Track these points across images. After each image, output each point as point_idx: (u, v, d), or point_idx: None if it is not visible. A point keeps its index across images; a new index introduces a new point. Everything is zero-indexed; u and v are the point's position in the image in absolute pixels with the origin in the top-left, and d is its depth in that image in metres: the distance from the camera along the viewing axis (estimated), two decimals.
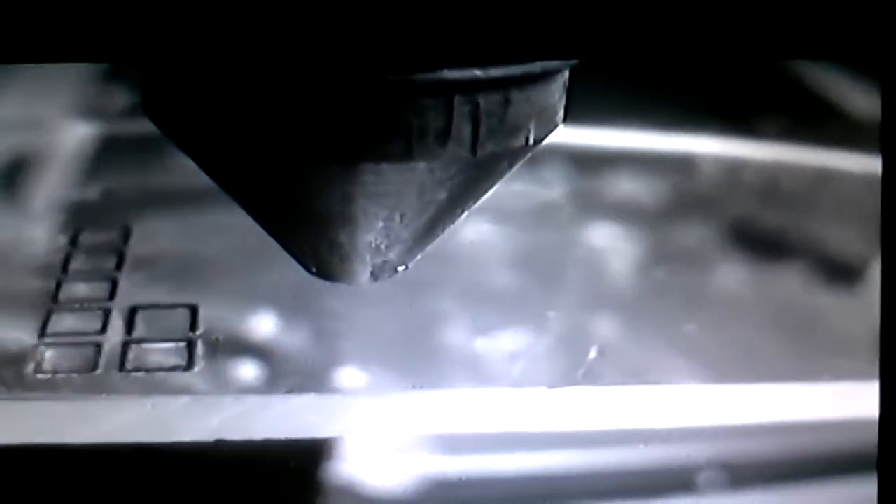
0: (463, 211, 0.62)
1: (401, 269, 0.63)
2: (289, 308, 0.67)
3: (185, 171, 0.65)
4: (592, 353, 0.66)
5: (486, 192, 0.62)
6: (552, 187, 0.68)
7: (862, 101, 0.66)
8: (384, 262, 0.62)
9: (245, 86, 0.58)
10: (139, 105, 0.62)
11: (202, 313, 0.67)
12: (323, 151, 0.58)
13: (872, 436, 0.65)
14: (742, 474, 0.66)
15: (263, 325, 0.67)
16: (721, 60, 0.61)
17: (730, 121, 0.66)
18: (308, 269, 0.63)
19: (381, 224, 0.60)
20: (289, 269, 0.63)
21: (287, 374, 0.65)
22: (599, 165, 0.66)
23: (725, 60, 0.61)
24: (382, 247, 0.61)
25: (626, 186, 0.66)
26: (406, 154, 0.58)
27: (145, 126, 0.62)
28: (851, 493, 0.66)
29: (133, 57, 0.58)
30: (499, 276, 0.67)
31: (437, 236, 0.62)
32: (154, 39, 0.57)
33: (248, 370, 0.66)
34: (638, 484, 0.66)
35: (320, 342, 0.66)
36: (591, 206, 0.66)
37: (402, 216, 0.60)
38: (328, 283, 0.63)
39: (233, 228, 0.66)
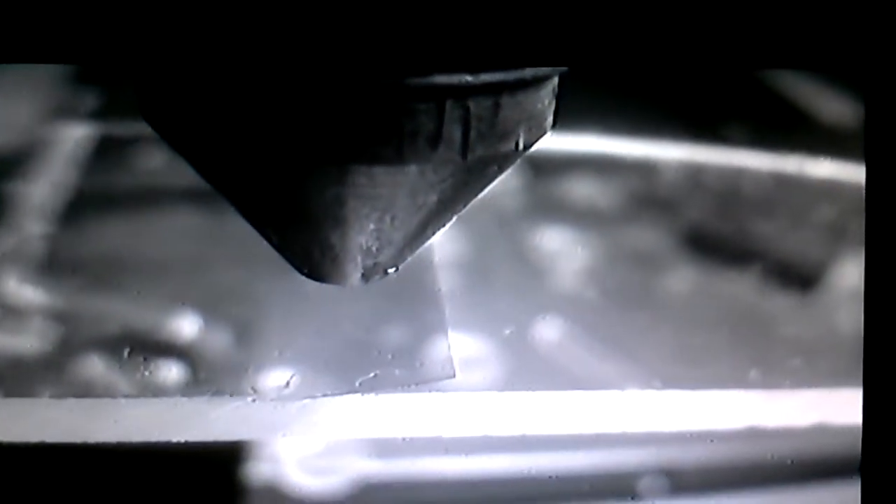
0: (454, 214, 0.63)
1: (391, 270, 0.63)
2: (217, 311, 0.67)
3: (142, 172, 0.65)
4: (537, 358, 0.67)
5: (476, 195, 0.63)
6: (507, 190, 0.68)
7: (830, 107, 0.67)
8: (375, 263, 0.63)
9: (239, 88, 0.59)
10: (106, 107, 0.63)
11: (131, 315, 0.67)
12: (315, 153, 0.59)
13: (821, 443, 0.66)
14: (685, 481, 0.67)
15: (188, 327, 0.67)
16: (701, 68, 0.62)
17: (696, 126, 0.67)
18: (299, 270, 0.63)
19: (372, 226, 0.61)
20: (224, 272, 0.63)
21: (212, 377, 0.66)
22: (557, 169, 0.67)
23: (706, 68, 0.62)
24: (373, 249, 0.62)
25: (583, 191, 0.67)
26: (397, 157, 0.59)
27: (108, 128, 0.62)
28: (799, 501, 0.67)
29: (128, 59, 0.59)
30: (446, 279, 0.68)
31: (428, 239, 0.63)
32: (148, 42, 0.58)
33: (171, 372, 0.66)
34: (578, 489, 0.66)
35: (247, 345, 0.66)
36: (546, 210, 0.67)
37: (392, 218, 0.61)
38: (264, 287, 0.63)
39: (175, 230, 0.66)
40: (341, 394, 0.64)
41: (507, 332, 0.68)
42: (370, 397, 0.65)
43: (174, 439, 0.63)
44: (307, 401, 0.64)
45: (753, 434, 0.66)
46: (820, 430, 0.66)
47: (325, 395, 0.64)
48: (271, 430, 0.64)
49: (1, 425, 0.63)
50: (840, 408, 0.66)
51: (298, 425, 0.64)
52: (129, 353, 0.66)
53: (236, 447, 0.64)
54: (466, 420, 0.65)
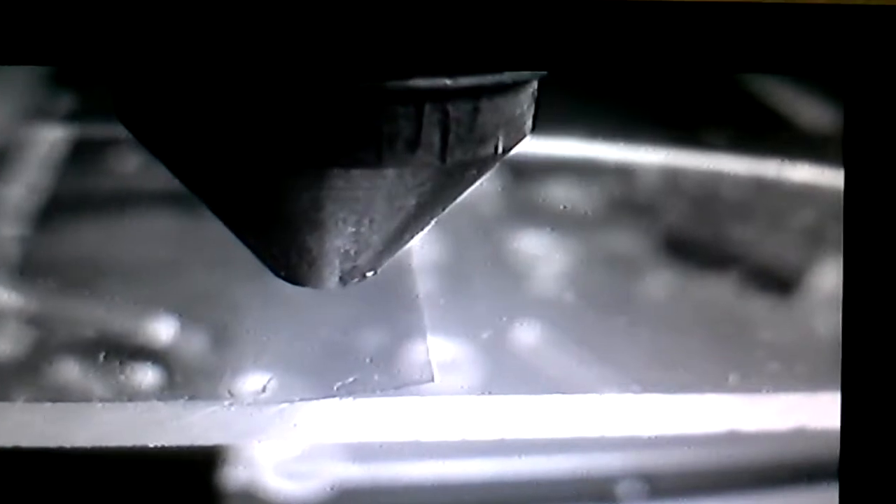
0: (432, 218, 0.63)
1: (369, 274, 0.63)
2: (193, 315, 0.67)
3: (118, 175, 0.65)
4: (514, 362, 0.67)
5: (455, 199, 0.63)
6: (485, 194, 0.68)
7: (808, 112, 0.67)
8: (353, 267, 0.62)
9: (216, 91, 0.58)
10: (82, 109, 0.62)
11: (106, 318, 0.67)
12: (293, 156, 0.58)
13: (799, 447, 0.66)
14: (664, 485, 0.67)
15: (165, 331, 0.67)
16: (680, 73, 0.62)
17: (675, 130, 0.67)
18: (277, 274, 0.63)
19: (350, 229, 0.61)
20: (201, 276, 0.63)
21: (188, 381, 0.65)
22: (535, 173, 0.67)
23: (685, 73, 0.62)
24: (351, 252, 0.62)
25: (562, 194, 0.67)
26: (376, 160, 0.59)
27: (84, 131, 0.62)
28: None
29: (105, 62, 0.58)
30: (424, 282, 0.67)
31: (406, 242, 0.63)
32: (126, 45, 0.58)
33: (147, 376, 0.66)
34: (557, 493, 0.66)
35: (224, 349, 0.66)
36: (524, 214, 0.67)
37: (371, 222, 0.61)
38: (241, 290, 0.63)
39: (152, 234, 0.66)
40: (319, 398, 0.64)
41: (486, 335, 0.68)
42: (348, 401, 0.64)
43: (150, 444, 0.63)
44: (285, 405, 0.64)
45: (732, 438, 0.66)
46: (799, 434, 0.66)
47: (302, 400, 0.64)
48: (248, 434, 0.64)
49: None
50: (819, 412, 0.66)
51: (275, 429, 0.64)
52: (105, 357, 0.66)
53: (213, 451, 0.64)
54: (445, 424, 0.65)
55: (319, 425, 0.64)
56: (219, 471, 0.64)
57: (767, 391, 0.67)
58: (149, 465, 0.63)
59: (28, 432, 0.63)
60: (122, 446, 0.63)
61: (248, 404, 0.64)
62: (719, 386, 0.67)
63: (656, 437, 0.66)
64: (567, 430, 0.66)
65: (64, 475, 0.63)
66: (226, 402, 0.64)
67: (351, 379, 0.65)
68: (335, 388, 0.65)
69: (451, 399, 0.65)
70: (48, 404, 0.64)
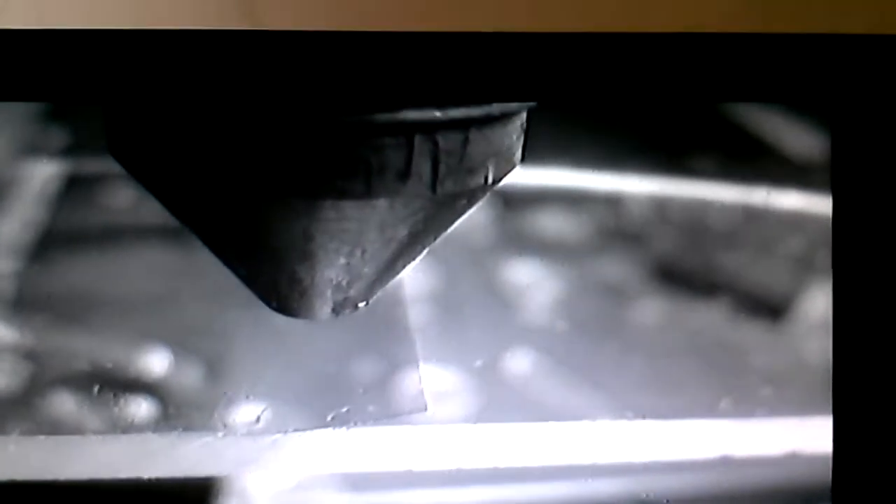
0: (423, 248, 0.63)
1: (362, 304, 0.63)
2: (186, 347, 0.67)
3: (110, 209, 0.65)
4: (507, 390, 0.67)
5: (446, 229, 0.63)
6: (476, 224, 0.68)
7: (795, 140, 0.67)
8: (345, 297, 0.63)
9: (207, 124, 0.59)
10: (75, 145, 0.63)
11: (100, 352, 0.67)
12: (283, 188, 0.59)
13: (794, 472, 0.66)
14: None
15: (158, 363, 0.67)
16: (667, 103, 0.62)
17: (662, 159, 0.67)
18: (268, 305, 0.63)
19: (342, 260, 0.61)
20: (193, 308, 0.63)
21: (182, 412, 0.65)
22: (523, 203, 0.67)
23: (672, 103, 0.62)
24: (343, 283, 0.62)
25: (552, 224, 0.67)
26: (366, 191, 0.59)
27: (77, 166, 0.62)
28: None
29: (96, 97, 0.59)
30: (415, 312, 0.68)
31: (398, 273, 0.63)
32: (118, 82, 0.58)
33: (140, 408, 0.66)
34: None
35: (217, 380, 0.66)
36: (513, 243, 0.67)
37: (362, 252, 0.61)
38: (233, 322, 0.63)
39: (144, 267, 0.66)
40: (312, 428, 0.64)
41: (478, 364, 0.68)
42: (341, 431, 0.64)
43: (144, 476, 0.63)
44: (278, 435, 0.64)
45: (726, 463, 0.67)
46: (791, 459, 0.67)
47: (296, 430, 0.64)
48: (242, 464, 0.64)
49: None
50: (811, 436, 0.66)
51: (269, 460, 0.64)
52: (99, 390, 0.66)
53: (207, 483, 0.64)
54: (438, 453, 0.65)
55: (313, 456, 0.64)
56: (213, 502, 0.64)
57: (759, 416, 0.67)
58: (143, 498, 0.63)
59: (23, 465, 0.63)
60: (117, 479, 0.63)
61: (242, 435, 0.64)
62: (712, 411, 0.68)
63: (651, 464, 0.66)
64: (560, 458, 0.66)
65: None
66: (219, 434, 0.64)
67: (344, 409, 0.65)
68: (329, 418, 0.65)
69: (445, 428, 0.65)
70: (42, 437, 0.64)
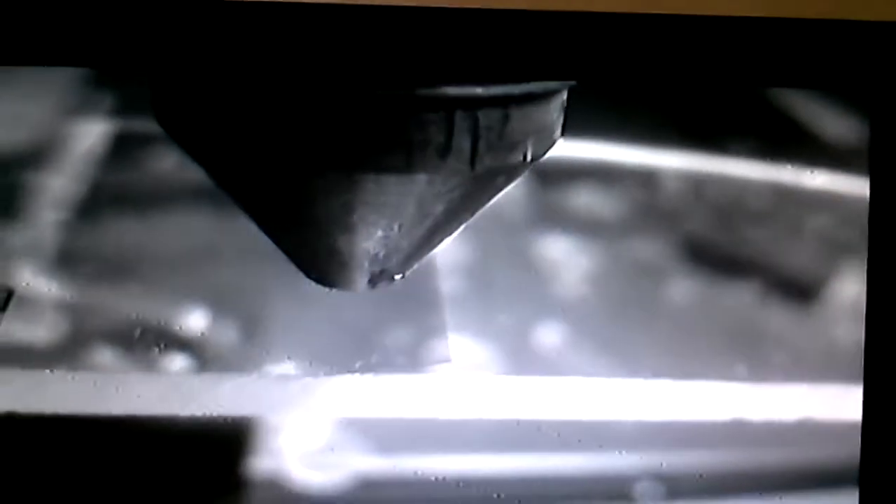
0: (460, 223, 0.64)
1: (398, 277, 0.64)
2: (224, 304, 0.68)
3: (152, 171, 0.66)
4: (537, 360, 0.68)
5: (483, 206, 0.64)
6: (509, 197, 0.69)
7: (832, 124, 0.67)
8: (382, 270, 0.64)
9: (253, 95, 0.59)
10: (123, 106, 0.64)
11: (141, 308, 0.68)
12: (326, 161, 0.60)
13: (825, 447, 0.67)
14: (680, 487, 0.68)
15: (196, 320, 0.68)
16: (708, 86, 0.63)
17: (698, 138, 0.67)
18: (307, 275, 0.64)
19: (379, 233, 0.62)
20: (230, 268, 0.65)
21: (217, 363, 0.66)
22: (559, 177, 0.67)
23: (713, 86, 0.63)
24: (380, 255, 0.63)
25: (586, 200, 0.68)
26: (406, 166, 0.60)
27: (127, 126, 0.63)
28: None
29: (142, 66, 0.60)
30: (447, 282, 0.68)
31: (435, 247, 0.64)
32: (164, 51, 0.59)
33: (178, 360, 0.67)
34: (575, 490, 0.67)
35: (252, 334, 0.67)
36: (547, 218, 0.67)
37: (400, 226, 0.62)
38: (271, 284, 0.64)
39: (187, 229, 0.67)
40: (341, 374, 0.65)
41: (508, 333, 0.68)
42: (368, 377, 0.65)
43: (180, 414, 0.65)
44: (308, 379, 0.65)
45: (739, 426, 0.67)
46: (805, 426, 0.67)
47: (325, 375, 0.65)
48: (274, 406, 0.65)
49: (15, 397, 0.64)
50: (825, 404, 0.67)
51: (300, 402, 0.65)
52: (139, 343, 0.67)
53: (240, 422, 0.65)
54: (461, 403, 0.66)
55: (341, 399, 0.66)
56: (245, 441, 0.66)
57: (776, 382, 0.68)
58: (178, 435, 0.65)
59: (66, 400, 0.65)
60: (153, 415, 0.65)
61: (274, 378, 0.66)
62: (727, 375, 0.68)
63: (666, 423, 0.67)
64: (579, 414, 0.67)
65: (99, 443, 0.65)
66: (253, 376, 0.66)
67: (372, 358, 0.66)
68: (356, 365, 0.66)
69: (468, 377, 0.66)
70: (86, 374, 0.66)
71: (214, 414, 0.65)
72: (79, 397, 0.66)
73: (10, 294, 0.66)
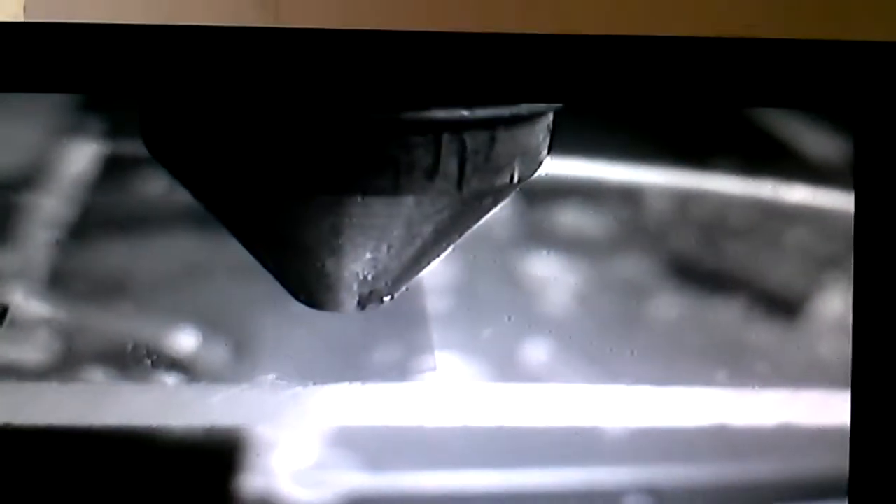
0: (449, 244, 0.64)
1: (387, 298, 0.65)
2: (211, 323, 0.68)
3: (141, 194, 0.66)
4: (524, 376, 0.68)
5: (471, 226, 0.64)
6: (495, 216, 0.69)
7: (815, 142, 0.68)
8: (371, 291, 0.64)
9: (240, 120, 0.60)
10: (112, 130, 0.64)
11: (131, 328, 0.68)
12: (313, 184, 0.60)
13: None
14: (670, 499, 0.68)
15: (184, 338, 0.68)
16: (691, 107, 0.63)
17: (681, 157, 0.68)
18: (296, 297, 0.64)
19: (368, 255, 0.62)
20: (216, 289, 0.65)
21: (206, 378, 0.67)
22: (544, 195, 0.68)
23: (696, 107, 0.63)
24: (369, 277, 0.63)
25: (571, 219, 0.68)
26: (394, 188, 0.60)
27: (116, 149, 0.63)
28: None
29: (133, 91, 0.60)
30: (432, 300, 0.69)
31: (424, 268, 0.64)
32: (152, 77, 0.59)
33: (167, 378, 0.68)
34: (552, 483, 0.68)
35: (242, 355, 0.68)
36: (532, 237, 0.68)
37: (389, 248, 0.62)
38: (258, 301, 0.64)
39: (176, 250, 0.67)
40: (328, 383, 0.66)
41: (493, 351, 0.69)
42: (356, 386, 0.66)
43: (173, 424, 0.65)
44: (298, 389, 0.65)
45: (722, 431, 0.68)
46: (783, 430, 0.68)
47: (314, 384, 0.65)
48: (264, 416, 0.66)
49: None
50: (803, 409, 0.68)
51: (289, 411, 0.66)
52: (130, 362, 0.68)
53: (230, 432, 0.65)
54: (446, 410, 0.66)
55: (329, 409, 0.66)
56: (235, 450, 0.66)
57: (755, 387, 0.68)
58: (168, 446, 0.65)
59: (58, 411, 0.65)
60: (144, 426, 0.65)
61: (264, 389, 0.66)
62: (710, 381, 0.69)
63: (649, 429, 0.68)
64: (561, 420, 0.67)
65: (91, 453, 0.65)
66: (244, 386, 0.66)
67: (359, 367, 0.66)
68: (344, 375, 0.66)
69: (454, 385, 0.67)
70: (78, 385, 0.66)
71: (203, 424, 0.65)
72: (67, 408, 0.66)
73: (5, 309, 0.67)
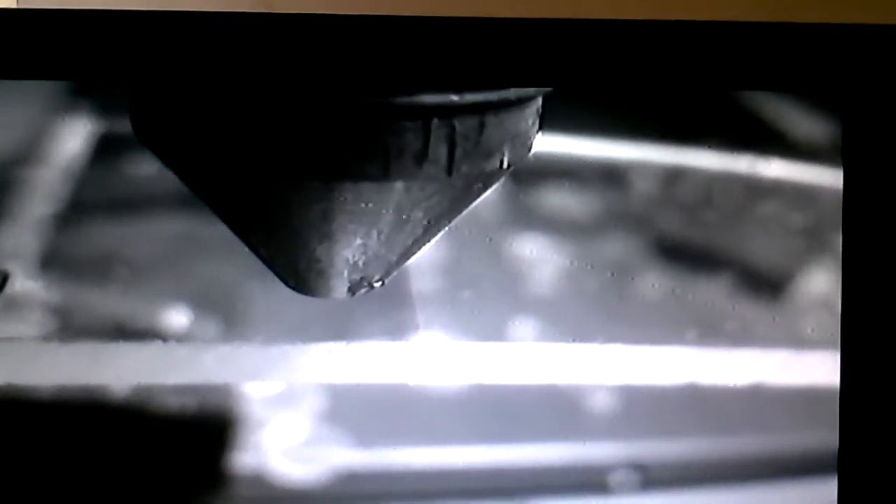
0: (439, 230, 0.64)
1: (377, 284, 0.65)
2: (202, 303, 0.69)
3: (132, 177, 0.66)
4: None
5: (461, 212, 0.64)
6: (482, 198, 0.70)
7: (804, 125, 0.68)
8: (361, 277, 0.64)
9: (228, 105, 0.60)
10: (103, 113, 0.64)
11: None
12: (303, 169, 0.60)
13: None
14: (657, 475, 0.69)
15: (175, 316, 0.69)
16: (680, 90, 0.63)
17: (668, 139, 0.68)
18: (286, 283, 0.64)
19: (358, 241, 0.62)
20: (206, 270, 0.66)
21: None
22: (529, 175, 0.68)
23: (685, 90, 0.63)
24: (360, 263, 0.63)
25: (555, 197, 0.68)
26: (384, 174, 0.60)
27: (108, 129, 0.64)
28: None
29: (122, 77, 0.60)
30: (419, 281, 0.69)
31: (414, 254, 0.64)
32: (142, 62, 0.59)
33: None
34: (552, 482, 0.68)
35: (232, 331, 0.68)
36: (517, 216, 0.68)
37: (379, 233, 0.62)
38: (247, 279, 0.65)
39: (170, 234, 0.68)
40: (317, 342, 0.66)
41: (480, 327, 0.69)
42: (341, 345, 0.66)
43: (165, 382, 0.66)
44: (287, 347, 0.66)
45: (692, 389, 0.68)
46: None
47: (301, 343, 0.66)
48: (253, 373, 0.66)
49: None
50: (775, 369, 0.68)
51: (278, 368, 0.66)
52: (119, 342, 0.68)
53: (223, 388, 0.66)
54: (428, 368, 0.67)
55: (316, 366, 0.67)
56: (227, 408, 0.66)
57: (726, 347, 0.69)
58: (161, 402, 0.66)
59: (54, 370, 0.66)
60: (137, 384, 0.66)
61: (254, 347, 0.66)
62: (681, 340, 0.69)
63: (621, 387, 0.68)
64: (536, 377, 0.68)
65: (84, 411, 0.66)
66: (235, 343, 0.66)
67: (345, 327, 0.67)
68: (332, 334, 0.67)
69: (435, 344, 0.67)
70: (74, 345, 0.67)
71: (197, 382, 0.66)
72: (64, 368, 0.67)
73: (5, 276, 0.67)
